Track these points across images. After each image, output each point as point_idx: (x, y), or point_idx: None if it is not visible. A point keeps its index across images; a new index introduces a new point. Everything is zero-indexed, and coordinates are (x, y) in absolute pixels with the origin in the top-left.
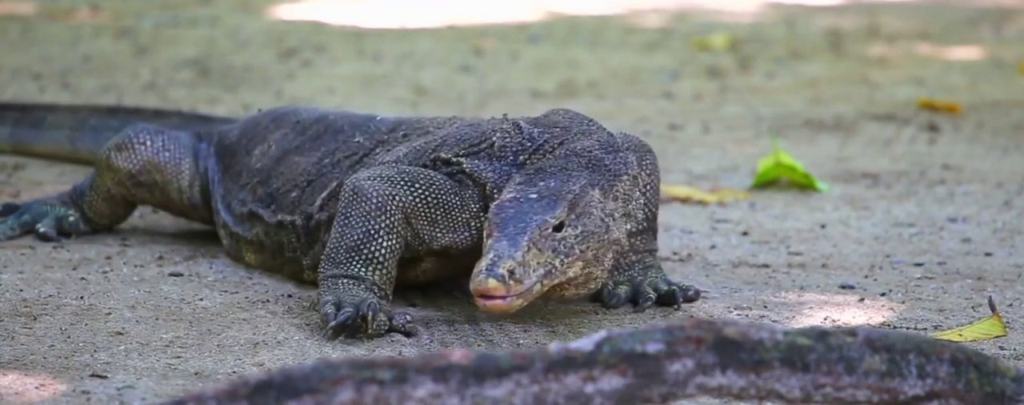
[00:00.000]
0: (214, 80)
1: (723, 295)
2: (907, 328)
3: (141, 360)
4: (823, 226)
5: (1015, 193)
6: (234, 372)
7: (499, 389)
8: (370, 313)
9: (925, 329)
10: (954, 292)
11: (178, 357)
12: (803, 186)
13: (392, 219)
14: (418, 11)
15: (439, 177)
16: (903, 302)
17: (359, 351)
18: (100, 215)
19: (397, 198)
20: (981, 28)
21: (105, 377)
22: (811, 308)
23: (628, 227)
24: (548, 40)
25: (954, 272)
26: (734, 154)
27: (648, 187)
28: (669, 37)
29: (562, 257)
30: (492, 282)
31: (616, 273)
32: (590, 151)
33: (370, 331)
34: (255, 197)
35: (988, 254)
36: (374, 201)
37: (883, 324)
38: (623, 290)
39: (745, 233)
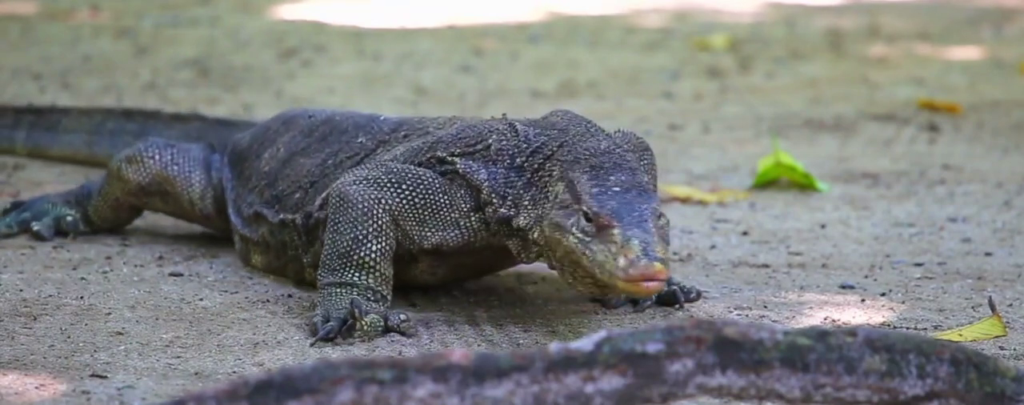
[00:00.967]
0: (214, 80)
1: (723, 295)
2: (907, 328)
3: (141, 360)
4: (823, 226)
5: (1015, 193)
6: (234, 372)
7: (499, 389)
8: (357, 311)
9: (925, 329)
10: (954, 292)
11: (178, 357)
12: (803, 186)
13: (379, 222)
14: (418, 11)
15: (428, 175)
16: (903, 302)
17: (359, 351)
18: (103, 219)
19: (383, 201)
20: (981, 28)
21: (105, 377)
22: (811, 308)
23: None
24: (548, 40)
25: (954, 272)
26: (734, 154)
27: None
28: (669, 37)
29: (665, 244)
30: (658, 265)
31: None
32: (612, 150)
33: (365, 329)
34: (262, 199)
35: (988, 254)
36: (360, 206)
37: (883, 324)
38: None
39: (745, 233)
